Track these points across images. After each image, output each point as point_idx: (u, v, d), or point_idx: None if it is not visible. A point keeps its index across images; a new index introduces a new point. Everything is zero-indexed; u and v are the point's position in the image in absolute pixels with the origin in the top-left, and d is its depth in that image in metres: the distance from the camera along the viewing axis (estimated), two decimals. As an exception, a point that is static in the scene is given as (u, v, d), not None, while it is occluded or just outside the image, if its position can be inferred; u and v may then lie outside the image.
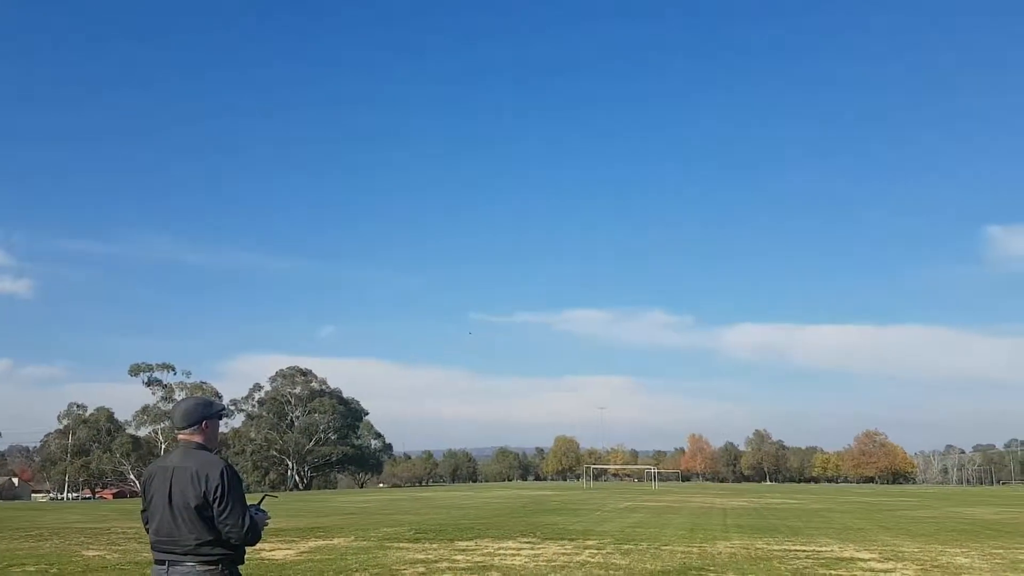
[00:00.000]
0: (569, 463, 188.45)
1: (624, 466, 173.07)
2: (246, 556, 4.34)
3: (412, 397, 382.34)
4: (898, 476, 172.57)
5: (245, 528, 4.04)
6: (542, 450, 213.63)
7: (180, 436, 4.29)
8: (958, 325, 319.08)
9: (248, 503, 4.17)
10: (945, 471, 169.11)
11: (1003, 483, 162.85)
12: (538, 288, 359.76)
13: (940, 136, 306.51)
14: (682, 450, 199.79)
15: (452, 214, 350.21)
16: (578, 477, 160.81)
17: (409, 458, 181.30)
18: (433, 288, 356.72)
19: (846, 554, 15.97)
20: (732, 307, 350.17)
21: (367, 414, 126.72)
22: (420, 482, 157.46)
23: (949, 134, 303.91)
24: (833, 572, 12.97)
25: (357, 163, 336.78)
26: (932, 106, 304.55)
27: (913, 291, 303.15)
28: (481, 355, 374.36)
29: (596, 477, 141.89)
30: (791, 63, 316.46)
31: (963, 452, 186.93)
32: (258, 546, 16.12)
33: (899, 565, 14.02)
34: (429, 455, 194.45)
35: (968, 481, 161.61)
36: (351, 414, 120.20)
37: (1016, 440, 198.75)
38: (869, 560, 14.85)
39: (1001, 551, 16.54)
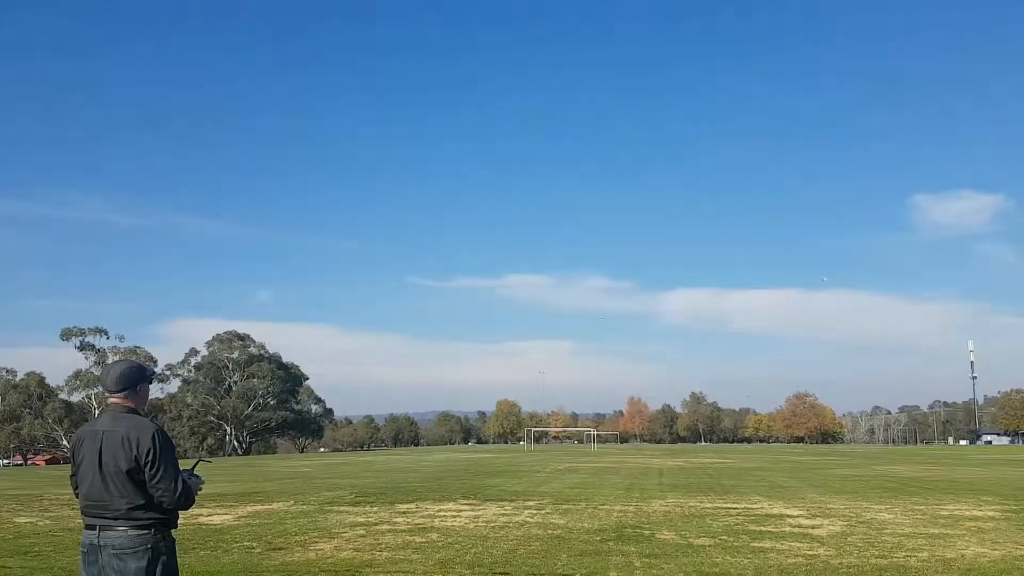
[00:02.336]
0: (511, 426, 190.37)
1: (564, 429, 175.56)
2: (182, 521, 4.31)
3: (353, 362, 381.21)
4: (827, 436, 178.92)
5: (178, 492, 4.01)
6: (484, 414, 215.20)
7: (111, 400, 4.21)
8: (886, 291, 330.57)
9: (181, 468, 4.13)
10: (872, 431, 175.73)
11: (926, 442, 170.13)
12: (478, 253, 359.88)
13: (870, 106, 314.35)
14: (621, 412, 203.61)
15: (390, 178, 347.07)
16: (519, 440, 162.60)
17: (350, 423, 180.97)
18: (372, 253, 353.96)
19: (775, 511, 16.58)
20: (670, 272, 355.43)
21: (307, 379, 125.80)
22: (362, 446, 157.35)
23: (879, 104, 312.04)
24: (763, 528, 13.47)
25: (294, 127, 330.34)
26: (861, 76, 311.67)
27: (843, 257, 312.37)
28: (422, 320, 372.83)
29: (537, 440, 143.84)
30: (725, 34, 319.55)
31: (889, 413, 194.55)
32: (195, 511, 16.02)
33: (826, 521, 14.61)
34: (371, 419, 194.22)
35: (893, 441, 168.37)
36: (290, 379, 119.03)
37: (939, 401, 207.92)
38: (797, 516, 15.44)
39: (923, 507, 17.35)
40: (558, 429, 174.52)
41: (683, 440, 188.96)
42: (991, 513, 15.72)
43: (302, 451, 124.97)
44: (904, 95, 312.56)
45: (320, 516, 15.65)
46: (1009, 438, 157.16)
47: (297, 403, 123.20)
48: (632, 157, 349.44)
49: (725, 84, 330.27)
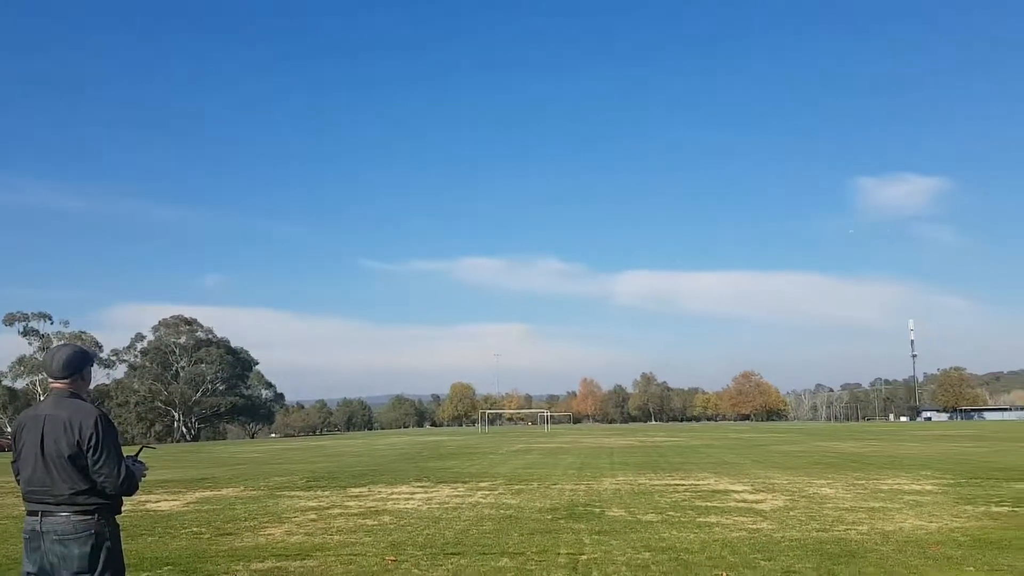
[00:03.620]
0: (465, 409, 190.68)
1: (518, 410, 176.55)
2: (128, 507, 4.28)
3: (305, 346, 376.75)
4: (772, 414, 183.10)
5: (121, 478, 3.97)
6: (438, 397, 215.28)
7: (54, 385, 4.15)
8: (829, 272, 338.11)
9: (125, 454, 4.10)
10: (815, 408, 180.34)
11: (867, 419, 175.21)
12: (432, 236, 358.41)
13: (814, 90, 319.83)
14: (574, 394, 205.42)
15: (342, 160, 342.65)
16: (474, 422, 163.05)
17: (302, 408, 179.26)
18: (324, 236, 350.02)
19: (721, 487, 16.99)
20: (622, 255, 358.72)
21: (257, 364, 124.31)
22: (314, 431, 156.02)
23: (822, 88, 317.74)
24: (709, 504, 13.79)
25: (242, 109, 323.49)
26: (806, 62, 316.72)
27: (789, 240, 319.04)
28: (375, 303, 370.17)
29: (491, 422, 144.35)
30: (673, 19, 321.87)
31: (831, 391, 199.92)
32: (142, 497, 15.83)
33: (769, 496, 15.02)
34: (323, 404, 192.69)
35: (836, 418, 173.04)
36: (240, 364, 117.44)
37: (880, 379, 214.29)
38: (742, 492, 15.85)
39: (863, 481, 17.92)
40: (512, 411, 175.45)
41: (634, 420, 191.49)
42: (929, 487, 16.30)
43: (252, 437, 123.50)
44: (847, 79, 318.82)
45: (270, 501, 15.55)
46: (948, 414, 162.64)
47: (247, 388, 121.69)
48: (584, 141, 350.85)
49: (674, 68, 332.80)
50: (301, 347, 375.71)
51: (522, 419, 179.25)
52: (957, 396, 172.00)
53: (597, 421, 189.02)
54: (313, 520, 12.44)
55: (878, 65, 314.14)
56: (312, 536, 10.74)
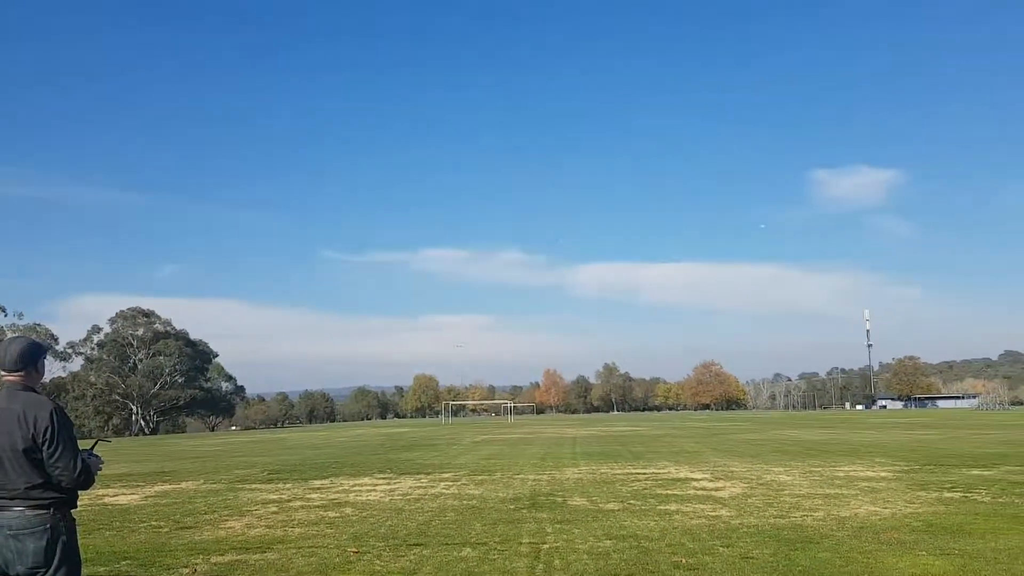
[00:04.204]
0: (428, 400, 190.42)
1: (482, 401, 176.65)
2: (85, 502, 4.22)
3: (265, 338, 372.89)
4: (732, 403, 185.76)
5: (77, 471, 3.92)
6: (401, 389, 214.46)
7: (7, 378, 4.08)
8: (787, 263, 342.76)
9: (81, 447, 4.04)
10: (773, 397, 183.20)
11: (824, 407, 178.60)
12: (393, 227, 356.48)
13: (771, 82, 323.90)
14: (537, 384, 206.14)
15: (301, 148, 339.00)
16: (437, 414, 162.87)
17: (263, 400, 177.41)
18: (283, 226, 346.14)
19: (681, 475, 17.22)
20: (584, 246, 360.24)
21: (216, 356, 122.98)
22: (275, 424, 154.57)
23: (779, 80, 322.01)
24: (669, 492, 13.98)
25: (199, 94, 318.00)
26: (765, 54, 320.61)
27: (748, 231, 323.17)
28: (337, 294, 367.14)
29: (455, 413, 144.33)
30: (633, 11, 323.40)
31: (790, 380, 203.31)
32: (100, 491, 15.60)
33: (728, 484, 15.27)
34: (284, 397, 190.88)
35: (794, 406, 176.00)
36: (199, 356, 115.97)
37: (837, 368, 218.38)
38: (701, 480, 16.08)
39: (819, 469, 18.29)
40: (476, 402, 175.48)
41: (597, 410, 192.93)
42: (884, 474, 16.69)
43: (212, 430, 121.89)
44: (804, 72, 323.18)
45: (231, 494, 15.40)
46: (902, 403, 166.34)
47: (206, 381, 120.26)
48: (545, 133, 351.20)
49: (634, 60, 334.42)
50: (262, 339, 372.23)
51: (485, 410, 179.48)
52: (911, 384, 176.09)
53: (560, 411, 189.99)
54: (274, 513, 12.35)
55: (834, 58, 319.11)
56: (273, 529, 10.67)
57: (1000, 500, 11.96)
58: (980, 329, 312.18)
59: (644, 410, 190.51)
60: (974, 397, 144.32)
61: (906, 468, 17.86)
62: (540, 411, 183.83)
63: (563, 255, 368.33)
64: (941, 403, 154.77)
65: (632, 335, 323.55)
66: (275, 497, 14.67)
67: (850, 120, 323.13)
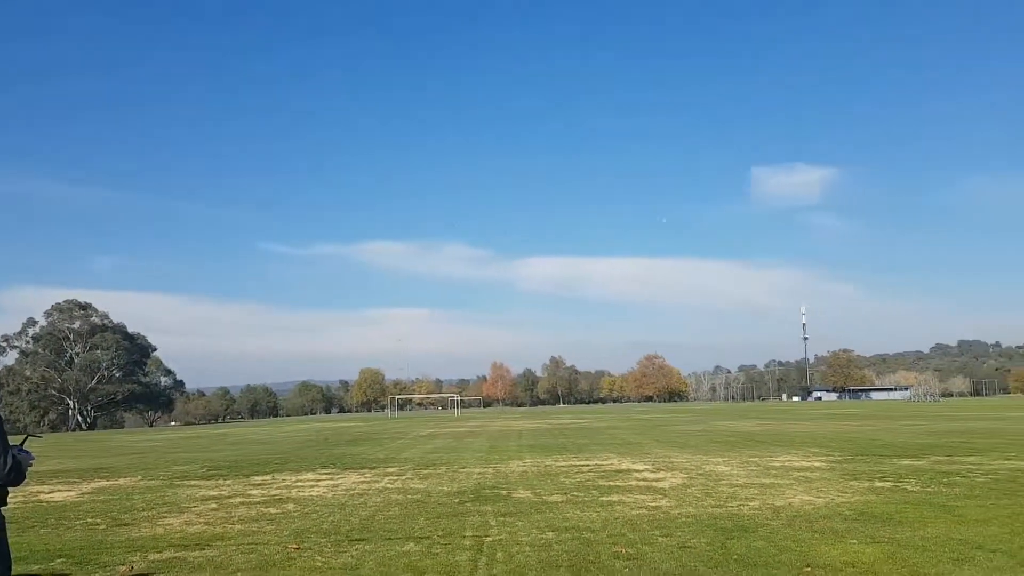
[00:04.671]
0: (374, 394, 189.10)
1: (428, 395, 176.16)
2: (18, 499, 4.13)
3: (206, 332, 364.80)
4: (674, 395, 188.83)
5: (7, 467, 3.83)
6: (346, 383, 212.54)
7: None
8: (728, 259, 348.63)
9: (10, 443, 3.95)
10: (714, 389, 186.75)
11: (762, 399, 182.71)
12: (336, 219, 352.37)
13: (712, 80, 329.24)
14: (484, 378, 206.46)
15: (241, 140, 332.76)
16: (383, 408, 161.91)
17: (203, 395, 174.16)
18: (222, 218, 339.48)
19: (624, 466, 17.48)
20: (529, 241, 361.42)
21: (155, 350, 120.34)
22: (216, 419, 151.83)
23: (720, 78, 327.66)
24: (611, 483, 14.18)
25: (137, 84, 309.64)
26: (707, 52, 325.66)
27: (691, 226, 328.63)
28: (279, 288, 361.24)
29: (401, 407, 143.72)
30: (578, 8, 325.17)
31: (729, 372, 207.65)
32: (34, 488, 15.21)
33: (669, 474, 15.55)
34: (225, 391, 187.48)
35: (733, 398, 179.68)
36: (137, 350, 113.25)
37: (775, 361, 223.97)
38: (643, 471, 16.35)
39: (756, 459, 18.74)
40: (422, 396, 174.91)
41: (543, 402, 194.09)
42: (817, 464, 17.18)
43: (151, 425, 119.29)
44: (743, 70, 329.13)
45: (169, 491, 15.13)
46: (837, 394, 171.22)
47: (145, 375, 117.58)
48: (491, 127, 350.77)
49: (581, 59, 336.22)
50: (202, 332, 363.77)
51: (432, 404, 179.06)
52: (846, 377, 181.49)
53: (507, 405, 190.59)
54: (214, 509, 12.18)
55: (771, 57, 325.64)
56: (212, 526, 10.52)
57: (928, 489, 12.40)
58: (912, 323, 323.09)
59: (590, 402, 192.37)
60: (906, 389, 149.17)
61: (839, 458, 18.40)
62: (487, 404, 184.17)
63: (509, 249, 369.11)
64: (874, 395, 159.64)
65: (578, 328, 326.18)
66: (215, 493, 14.45)
67: (787, 118, 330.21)
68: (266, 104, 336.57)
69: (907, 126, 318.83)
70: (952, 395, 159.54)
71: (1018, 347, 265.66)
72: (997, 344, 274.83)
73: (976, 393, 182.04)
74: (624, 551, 8.07)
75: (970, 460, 17.02)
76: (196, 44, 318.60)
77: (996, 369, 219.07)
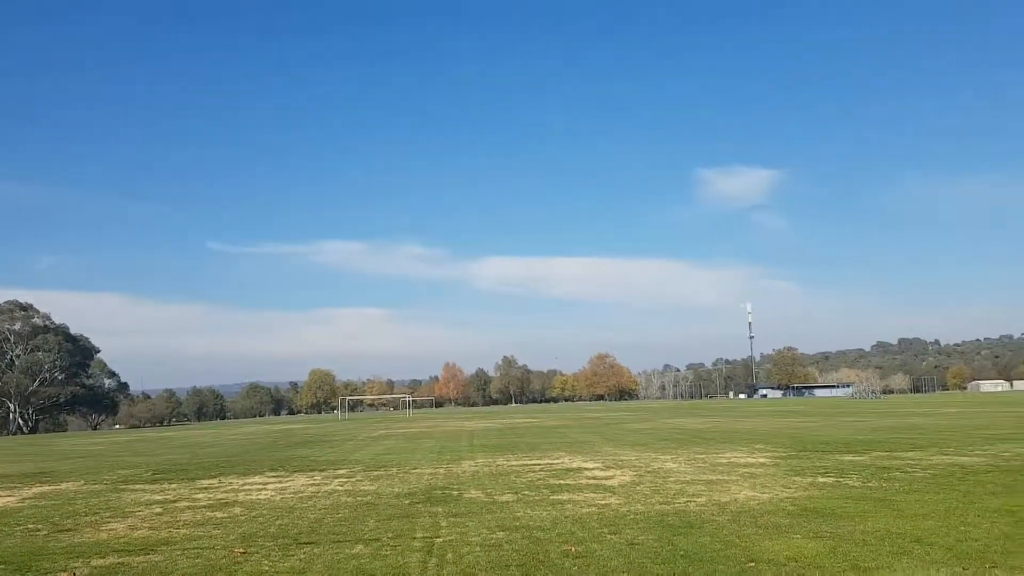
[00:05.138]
0: (325, 396, 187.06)
1: (380, 396, 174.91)
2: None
3: (151, 333, 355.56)
4: (624, 393, 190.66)
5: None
6: (296, 384, 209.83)
7: None
8: (677, 258, 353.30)
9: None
10: (663, 387, 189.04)
11: (710, 396, 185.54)
12: (286, 218, 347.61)
13: (662, 81, 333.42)
14: (436, 378, 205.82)
15: (188, 137, 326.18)
16: (334, 409, 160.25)
17: (148, 397, 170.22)
18: (168, 216, 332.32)
19: (575, 465, 17.62)
20: (483, 240, 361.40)
21: (99, 352, 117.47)
22: (162, 422, 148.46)
23: (669, 79, 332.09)
24: (562, 482, 14.29)
25: (81, 77, 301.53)
26: (656, 52, 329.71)
27: (641, 227, 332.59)
28: (227, 288, 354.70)
29: (352, 408, 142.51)
30: (536, 7, 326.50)
31: (678, 370, 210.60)
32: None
33: (618, 472, 15.73)
34: (171, 393, 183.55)
35: (682, 396, 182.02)
36: (80, 352, 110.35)
37: (722, 359, 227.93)
38: (593, 469, 16.50)
39: (703, 456, 19.06)
40: (373, 397, 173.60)
41: (495, 402, 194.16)
42: (762, 460, 17.54)
43: (95, 429, 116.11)
44: (691, 72, 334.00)
45: (113, 495, 14.80)
46: (781, 391, 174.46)
47: (88, 377, 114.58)
48: (445, 127, 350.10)
49: (531, 60, 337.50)
50: (146, 334, 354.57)
51: (384, 405, 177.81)
52: (790, 374, 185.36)
53: (459, 405, 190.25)
54: (159, 514, 11.96)
55: (716, 60, 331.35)
56: (157, 530, 10.34)
57: (869, 484, 12.75)
58: (854, 321, 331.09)
59: (542, 402, 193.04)
60: (848, 386, 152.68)
61: (783, 454, 18.81)
62: (439, 404, 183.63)
63: (463, 248, 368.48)
64: (818, 392, 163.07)
65: (531, 328, 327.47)
66: (160, 498, 14.19)
67: (733, 121, 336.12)
68: (213, 101, 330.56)
69: (848, 128, 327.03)
70: (893, 392, 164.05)
71: (956, 345, 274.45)
72: (936, 342, 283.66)
73: (916, 390, 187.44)
74: (573, 550, 8.16)
75: (909, 456, 17.54)
76: (142, 37, 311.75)
77: (935, 366, 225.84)
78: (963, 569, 6.81)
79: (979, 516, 9.34)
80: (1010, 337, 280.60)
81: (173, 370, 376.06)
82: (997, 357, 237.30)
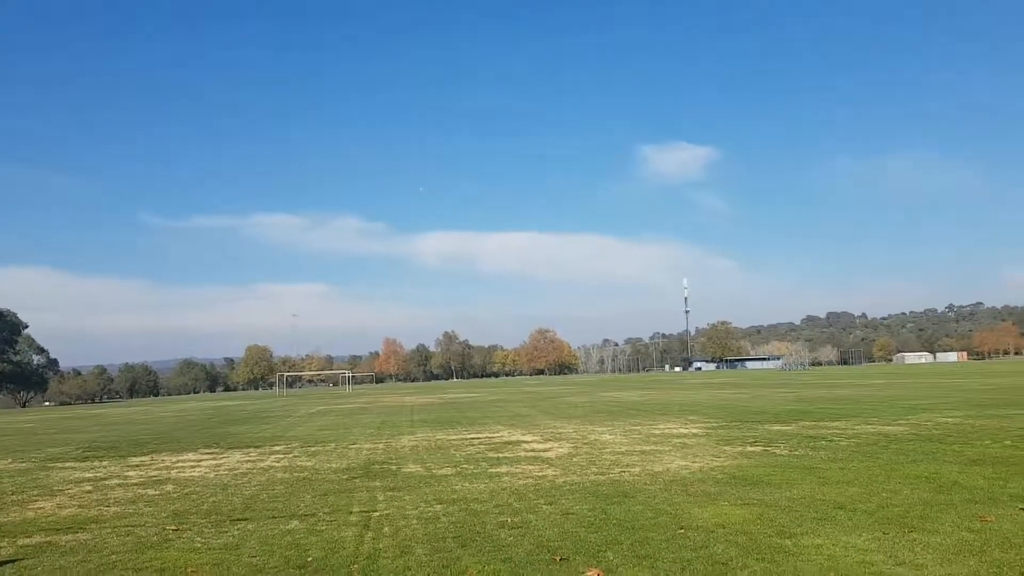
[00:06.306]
0: (262, 372, 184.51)
1: (319, 372, 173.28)
2: None
3: (82, 308, 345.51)
4: (564, 367, 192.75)
5: None
6: (232, 360, 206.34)
7: None
8: (618, 234, 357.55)
9: None
10: (602, 361, 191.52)
11: (647, 370, 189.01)
12: (221, 190, 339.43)
13: (603, 58, 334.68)
14: (377, 354, 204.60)
15: (119, 107, 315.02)
16: (271, 386, 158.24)
17: (79, 374, 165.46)
18: (98, 188, 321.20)
19: (513, 438, 17.80)
20: (424, 215, 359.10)
21: (27, 327, 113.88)
22: (93, 399, 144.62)
23: (608, 56, 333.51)
24: (501, 455, 14.43)
25: (3, 48, 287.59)
26: (592, 35, 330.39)
27: (582, 203, 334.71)
28: (160, 262, 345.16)
29: (291, 384, 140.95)
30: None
31: (617, 345, 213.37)
32: None
33: (556, 444, 15.95)
34: (102, 370, 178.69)
35: (620, 369, 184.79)
36: (7, 327, 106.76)
37: (659, 333, 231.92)
38: (532, 442, 16.70)
39: (639, 427, 19.43)
40: (312, 373, 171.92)
41: (436, 377, 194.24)
42: (695, 431, 17.98)
43: (24, 406, 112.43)
44: (629, 51, 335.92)
45: (42, 473, 14.42)
46: (715, 364, 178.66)
47: (16, 354, 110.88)
48: (385, 99, 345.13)
49: (473, 37, 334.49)
50: (77, 309, 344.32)
51: (323, 381, 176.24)
52: (724, 348, 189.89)
53: (400, 380, 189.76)
54: (88, 492, 11.70)
55: (656, 36, 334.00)
56: (87, 508, 10.12)
57: (796, 453, 13.18)
58: (785, 296, 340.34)
59: (483, 376, 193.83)
60: (778, 359, 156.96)
61: (715, 425, 19.31)
62: (380, 380, 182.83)
63: (404, 223, 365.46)
64: (749, 364, 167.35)
65: (472, 303, 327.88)
66: (90, 475, 13.88)
67: (672, 98, 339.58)
68: (143, 69, 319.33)
69: (781, 108, 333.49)
70: (821, 364, 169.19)
71: (882, 318, 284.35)
72: (863, 315, 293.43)
73: (843, 362, 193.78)
74: (509, 521, 8.27)
75: (835, 425, 18.17)
76: (67, 9, 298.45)
77: (862, 339, 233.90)
78: (884, 534, 7.09)
79: (900, 483, 9.70)
80: (934, 311, 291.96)
81: (105, 346, 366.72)
82: (921, 330, 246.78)
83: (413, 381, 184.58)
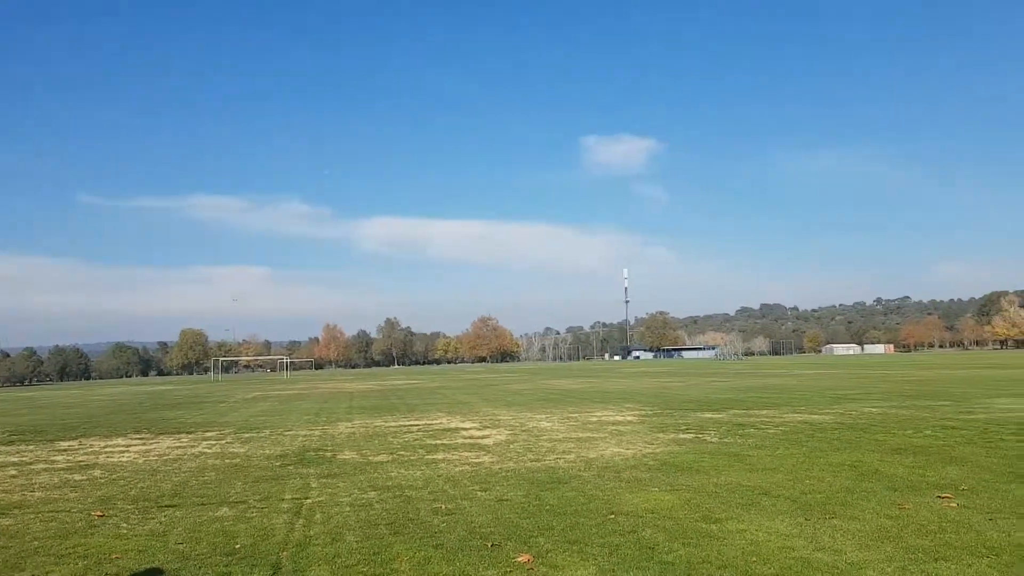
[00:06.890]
0: (197, 356, 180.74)
1: (256, 357, 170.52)
2: None
3: (11, 289, 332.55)
4: (506, 355, 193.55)
5: None
6: (166, 344, 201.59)
7: None
8: (560, 223, 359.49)
9: None
10: (543, 349, 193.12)
11: (587, 358, 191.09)
12: (160, 170, 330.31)
13: (551, 46, 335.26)
14: (317, 339, 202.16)
15: (55, 83, 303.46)
16: (207, 371, 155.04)
17: (7, 356, 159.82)
18: (33, 167, 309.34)
19: (452, 425, 17.84)
20: (368, 200, 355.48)
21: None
22: (21, 382, 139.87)
23: (554, 44, 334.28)
24: (438, 442, 14.45)
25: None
26: (541, 27, 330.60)
27: (525, 191, 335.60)
28: (94, 242, 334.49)
29: (227, 369, 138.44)
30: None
31: (558, 333, 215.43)
32: None
33: (494, 431, 16.05)
34: (31, 352, 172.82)
35: (561, 358, 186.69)
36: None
37: (599, 322, 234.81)
38: (470, 429, 16.77)
39: (576, 415, 19.67)
40: (249, 358, 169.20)
41: (377, 364, 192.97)
42: (630, 418, 18.28)
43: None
44: (575, 41, 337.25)
45: (-41, 461, 13.92)
46: (653, 353, 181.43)
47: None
48: (333, 83, 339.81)
49: (425, 26, 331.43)
50: (6, 289, 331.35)
51: (261, 366, 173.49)
52: (661, 337, 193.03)
53: (340, 366, 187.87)
54: (13, 476, 11.37)
55: (602, 26, 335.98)
56: (10, 493, 9.84)
57: (726, 440, 13.50)
58: (720, 287, 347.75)
59: (425, 364, 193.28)
60: (713, 348, 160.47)
61: (650, 412, 19.67)
62: (319, 366, 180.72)
63: (348, 207, 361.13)
64: (686, 353, 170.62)
65: (415, 290, 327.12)
66: (15, 460, 13.48)
67: (616, 89, 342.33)
68: (87, 46, 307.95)
69: (722, 101, 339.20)
70: (754, 354, 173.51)
71: (813, 311, 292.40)
72: (795, 307, 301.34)
73: (775, 352, 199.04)
74: (443, 507, 8.31)
75: (764, 413, 18.66)
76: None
77: (793, 330, 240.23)
78: (806, 519, 7.31)
79: (824, 470, 10.01)
80: (862, 304, 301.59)
81: (34, 327, 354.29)
82: (850, 323, 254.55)
83: (354, 368, 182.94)
